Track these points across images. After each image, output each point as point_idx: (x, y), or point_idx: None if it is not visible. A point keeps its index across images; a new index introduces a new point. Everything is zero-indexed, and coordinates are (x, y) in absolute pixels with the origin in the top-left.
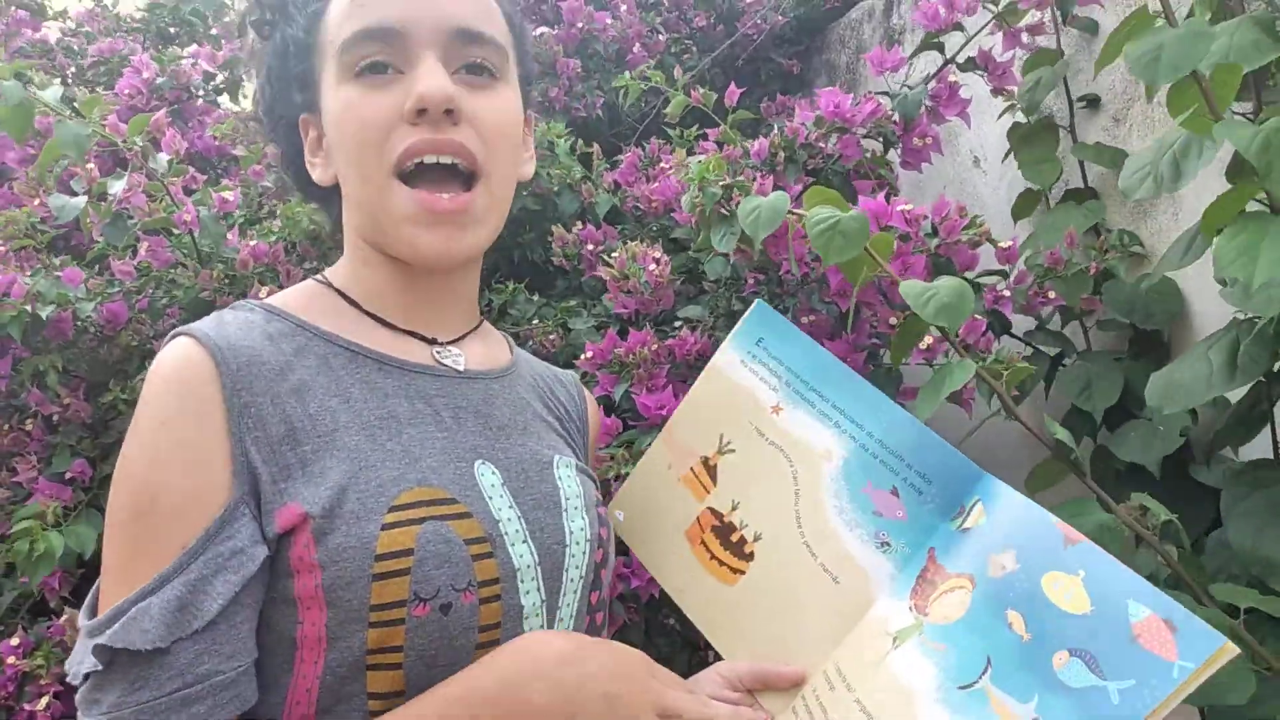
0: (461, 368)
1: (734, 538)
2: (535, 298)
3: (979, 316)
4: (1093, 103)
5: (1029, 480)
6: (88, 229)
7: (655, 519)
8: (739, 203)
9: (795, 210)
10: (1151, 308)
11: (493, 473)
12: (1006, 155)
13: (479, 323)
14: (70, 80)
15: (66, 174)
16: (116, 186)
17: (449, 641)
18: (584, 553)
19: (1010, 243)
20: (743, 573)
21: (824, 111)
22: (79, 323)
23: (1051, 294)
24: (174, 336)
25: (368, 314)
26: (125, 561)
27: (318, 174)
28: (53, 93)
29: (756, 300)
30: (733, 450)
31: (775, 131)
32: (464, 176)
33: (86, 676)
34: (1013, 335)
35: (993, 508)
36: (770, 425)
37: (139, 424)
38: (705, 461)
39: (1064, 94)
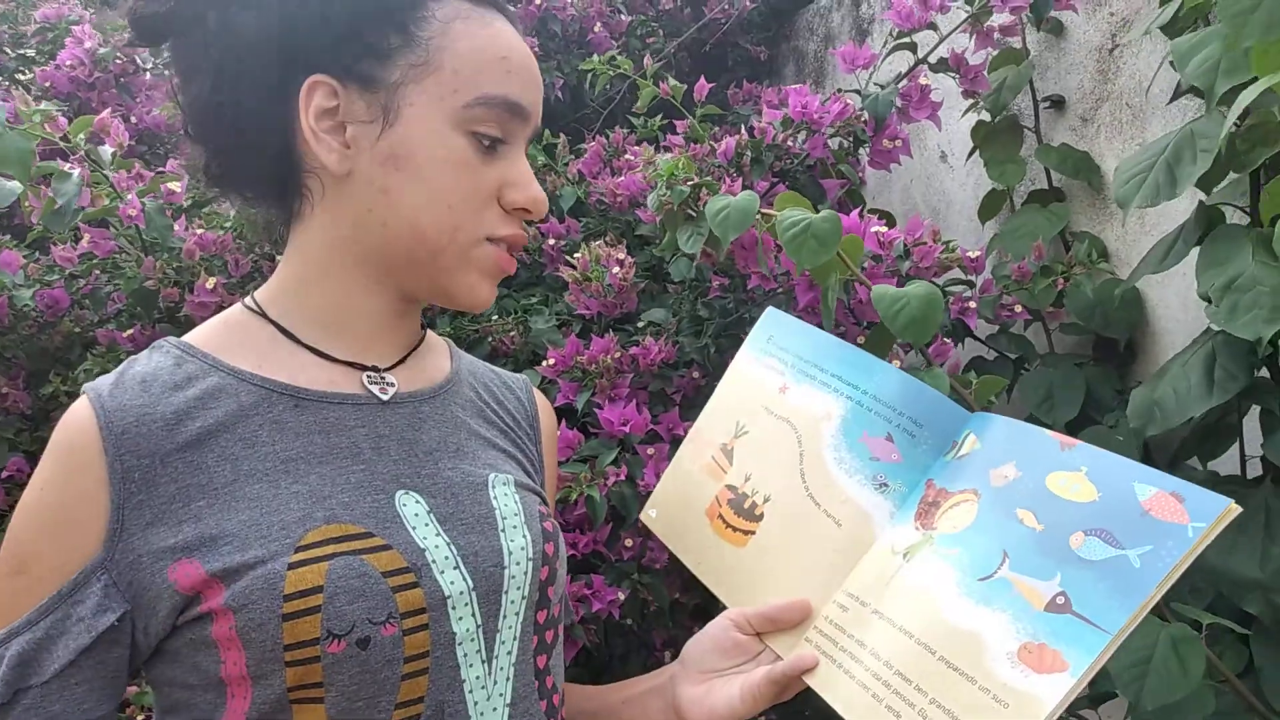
0: (387, 396)
1: (746, 505)
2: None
3: (942, 335)
4: (1057, 103)
5: None
6: (27, 212)
7: (682, 509)
8: (706, 203)
9: (765, 211)
10: (1111, 316)
11: (417, 501)
12: (971, 154)
13: (421, 338)
14: (5, 49)
15: None
16: (68, 186)
17: (371, 674)
18: (525, 572)
19: (978, 253)
20: (752, 533)
21: (791, 112)
22: (16, 309)
23: (1018, 308)
24: (82, 392)
25: (303, 345)
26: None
27: (332, 158)
28: None
29: (769, 307)
30: (746, 432)
31: (742, 131)
32: None
33: None
34: (975, 338)
35: (985, 434)
36: (778, 402)
37: (30, 482)
38: (723, 447)
39: (1029, 94)
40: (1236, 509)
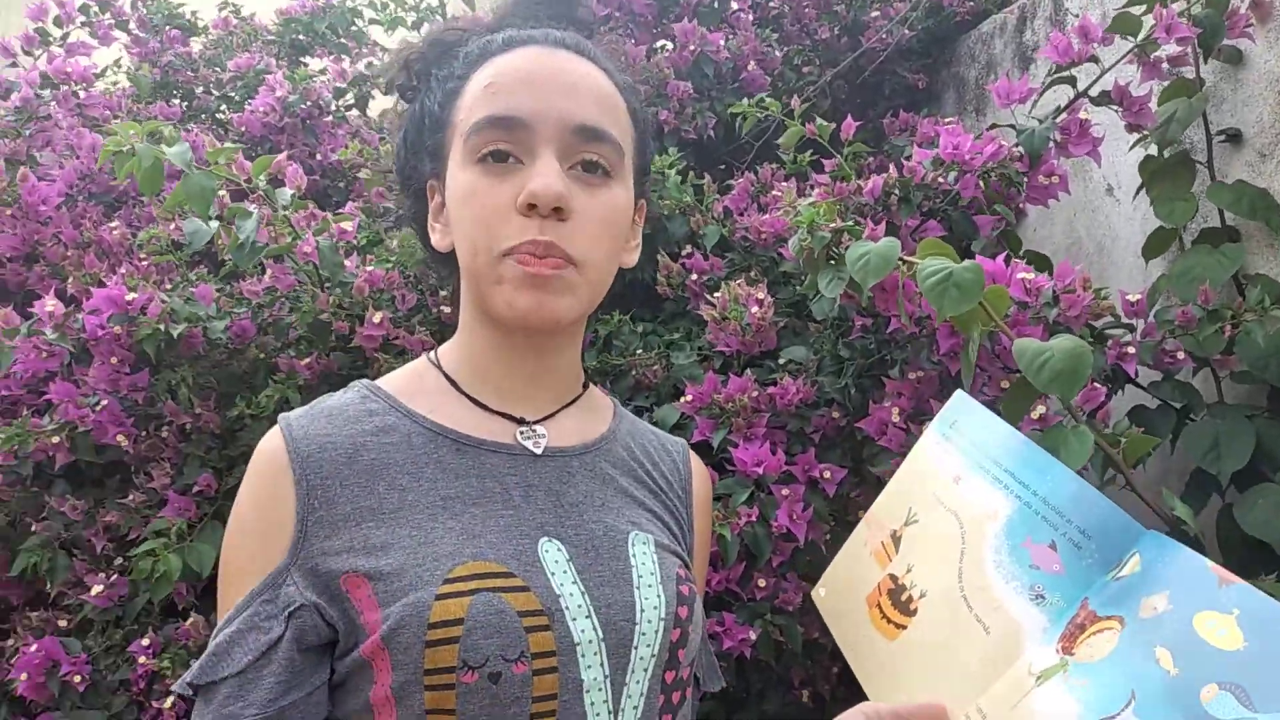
0: (539, 450)
1: (903, 597)
2: (639, 328)
3: (1097, 380)
4: (1233, 137)
5: None
6: (221, 250)
7: (847, 592)
8: (848, 247)
9: (906, 259)
10: None
11: (559, 549)
12: (1140, 190)
13: (578, 394)
14: (210, 90)
15: None
16: (248, 224)
17: (501, 709)
18: (656, 631)
19: (1139, 296)
20: (904, 628)
21: (943, 152)
22: (209, 338)
23: (1179, 355)
24: (278, 421)
25: (465, 394)
26: (219, 613)
27: (436, 239)
28: (179, 150)
29: (958, 390)
30: (916, 521)
31: (890, 169)
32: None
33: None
34: (1137, 385)
35: (1148, 556)
36: (950, 493)
37: (235, 503)
38: (893, 534)
39: (1202, 127)
40: None
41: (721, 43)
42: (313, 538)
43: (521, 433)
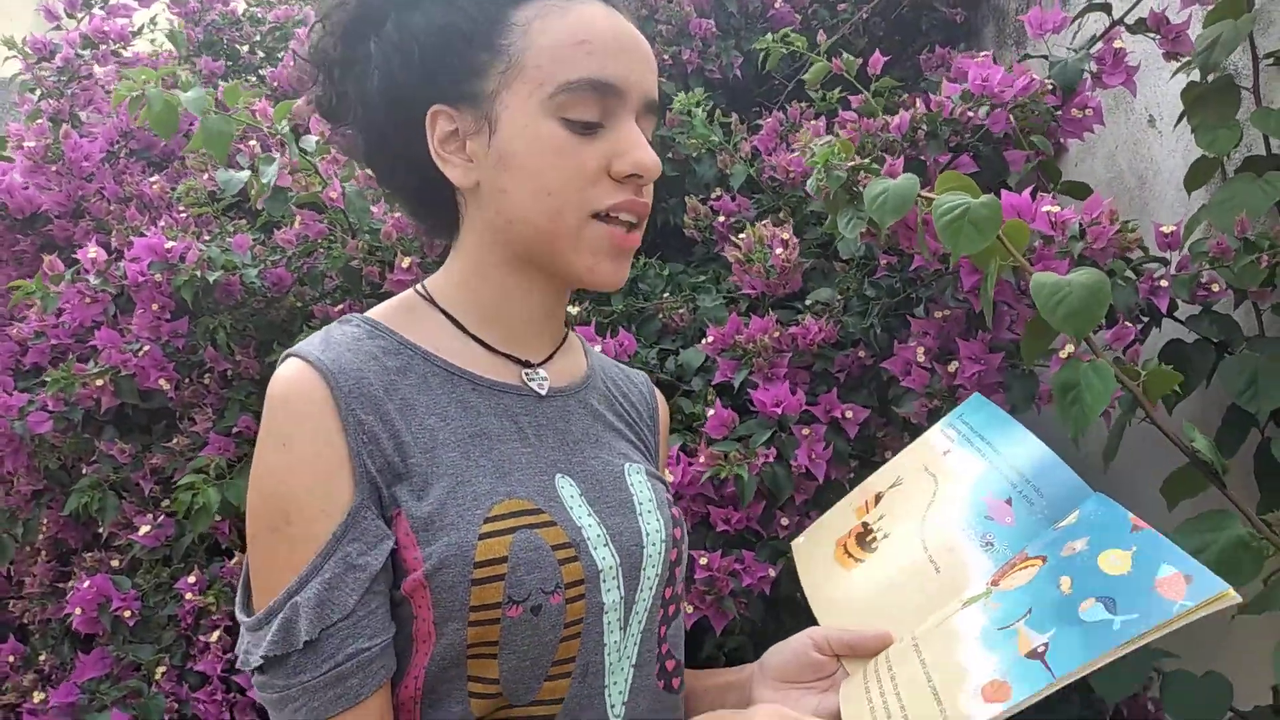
0: (544, 391)
1: (868, 538)
2: (665, 272)
3: (1129, 316)
4: None
5: (1164, 488)
6: (254, 199)
7: (822, 538)
8: (866, 185)
9: (925, 194)
10: None
11: (571, 484)
12: (1181, 118)
13: (565, 336)
14: (254, 48)
15: (233, 149)
16: (270, 169)
17: (539, 637)
18: (659, 552)
19: (1174, 228)
20: (862, 561)
21: (971, 86)
22: (245, 285)
23: (1215, 287)
24: (286, 357)
25: (469, 334)
26: (270, 568)
27: (457, 173)
28: (193, 94)
29: (975, 393)
30: (899, 484)
31: (918, 104)
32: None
33: (256, 668)
34: (1175, 319)
35: (1085, 510)
36: (936, 462)
37: (264, 445)
38: (877, 495)
39: (1250, 50)
40: (1234, 597)
41: None
42: (373, 472)
43: (526, 374)
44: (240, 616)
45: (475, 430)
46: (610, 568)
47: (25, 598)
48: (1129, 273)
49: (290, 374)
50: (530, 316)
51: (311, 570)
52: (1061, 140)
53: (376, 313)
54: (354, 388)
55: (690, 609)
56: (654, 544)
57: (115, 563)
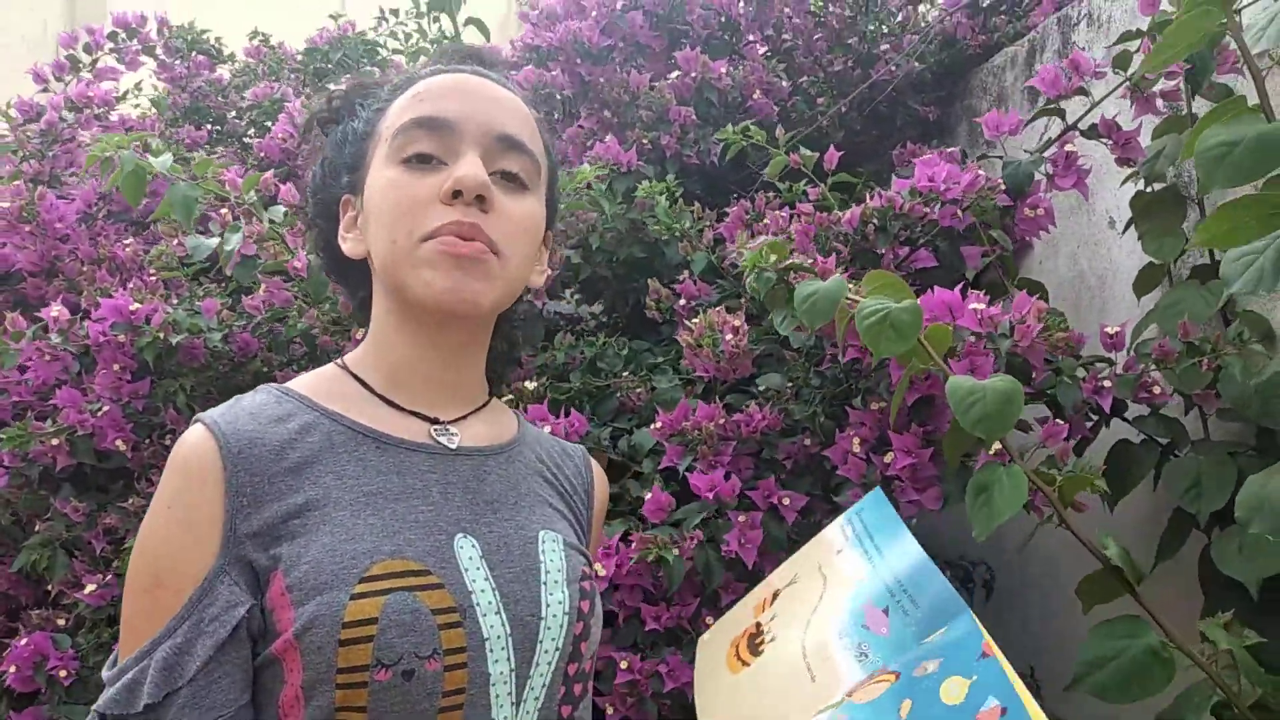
0: (454, 446)
1: (757, 641)
2: (624, 351)
3: (1076, 406)
4: None
5: (1078, 591)
6: (223, 264)
7: (722, 638)
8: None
9: (854, 296)
10: (1271, 403)
11: (473, 546)
12: (1128, 226)
13: (485, 402)
14: (239, 116)
15: (204, 217)
16: (234, 237)
17: (411, 705)
18: (560, 625)
19: (1118, 329)
20: (748, 665)
21: (917, 183)
22: (210, 349)
23: (1157, 389)
24: (194, 422)
25: (378, 395)
26: (133, 625)
27: (349, 247)
28: (163, 160)
29: (876, 488)
30: (795, 582)
31: (868, 199)
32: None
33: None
34: (1124, 419)
35: (952, 629)
36: (829, 561)
37: (154, 505)
38: (775, 592)
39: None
40: None
41: (723, 71)
42: (241, 536)
43: (435, 430)
44: (105, 670)
45: (371, 489)
46: (499, 636)
47: None
48: (1079, 370)
49: (189, 437)
50: (431, 374)
51: (165, 633)
52: (1026, 238)
53: (294, 381)
54: (244, 449)
55: (611, 709)
56: (554, 615)
57: (61, 621)
